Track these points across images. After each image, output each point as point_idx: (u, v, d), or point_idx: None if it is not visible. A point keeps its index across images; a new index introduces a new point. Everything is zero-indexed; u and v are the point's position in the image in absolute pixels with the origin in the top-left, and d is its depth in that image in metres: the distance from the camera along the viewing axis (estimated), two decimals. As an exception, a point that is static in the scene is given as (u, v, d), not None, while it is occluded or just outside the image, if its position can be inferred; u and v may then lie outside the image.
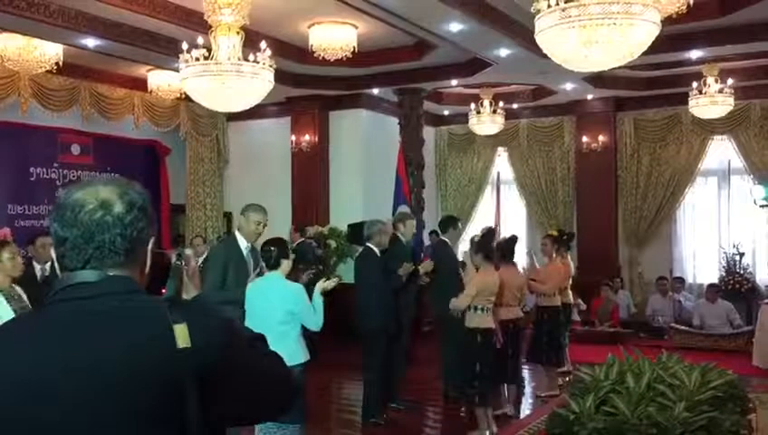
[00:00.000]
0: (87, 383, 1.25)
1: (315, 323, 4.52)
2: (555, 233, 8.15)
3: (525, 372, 8.38)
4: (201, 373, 1.28)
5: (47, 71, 8.39)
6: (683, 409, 3.82)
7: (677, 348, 8.29)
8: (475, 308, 5.90)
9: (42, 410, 1.25)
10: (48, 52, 8.12)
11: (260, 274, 4.79)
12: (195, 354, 1.28)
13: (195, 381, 1.27)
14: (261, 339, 1.54)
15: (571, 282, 8.06)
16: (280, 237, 4.77)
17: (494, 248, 6.19)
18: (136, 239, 1.39)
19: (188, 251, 1.72)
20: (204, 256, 6.85)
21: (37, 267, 6.50)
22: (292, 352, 4.33)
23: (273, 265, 4.54)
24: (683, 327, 10.27)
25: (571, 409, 4.10)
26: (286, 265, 4.57)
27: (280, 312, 4.42)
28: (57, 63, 8.29)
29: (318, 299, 4.55)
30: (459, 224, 7.79)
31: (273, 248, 4.55)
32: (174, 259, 1.63)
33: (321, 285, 4.61)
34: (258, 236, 5.06)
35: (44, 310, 1.39)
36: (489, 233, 6.73)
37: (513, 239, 7.20)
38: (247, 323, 4.37)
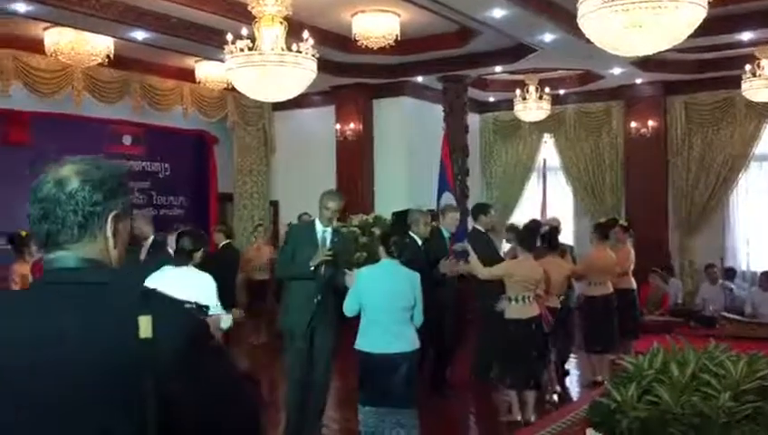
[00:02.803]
0: (50, 357, 1.29)
1: (421, 315, 4.68)
2: (602, 221, 8.05)
3: (573, 360, 8.34)
4: (159, 367, 1.28)
5: (99, 64, 8.62)
6: (728, 398, 3.75)
7: (728, 337, 8.10)
8: (514, 299, 5.90)
9: (12, 376, 1.30)
10: (99, 45, 8.34)
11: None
12: (154, 347, 1.29)
13: (152, 374, 1.27)
14: (227, 353, 1.53)
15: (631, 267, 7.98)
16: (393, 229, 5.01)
17: (531, 238, 6.12)
18: (89, 214, 1.41)
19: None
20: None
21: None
22: (416, 337, 4.59)
23: (397, 254, 4.71)
24: (734, 316, 10.03)
25: (612, 397, 4.06)
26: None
27: (410, 296, 4.59)
28: (108, 56, 8.52)
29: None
30: (491, 210, 7.70)
31: (396, 239, 4.77)
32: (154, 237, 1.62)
33: None
34: (332, 221, 5.38)
35: (28, 292, 1.53)
36: (533, 224, 6.67)
37: (556, 228, 7.19)
38: (357, 307, 4.66)
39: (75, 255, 1.40)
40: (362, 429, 4.66)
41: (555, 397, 6.80)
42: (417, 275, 4.73)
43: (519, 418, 5.96)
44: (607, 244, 7.53)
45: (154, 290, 1.44)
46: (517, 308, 5.89)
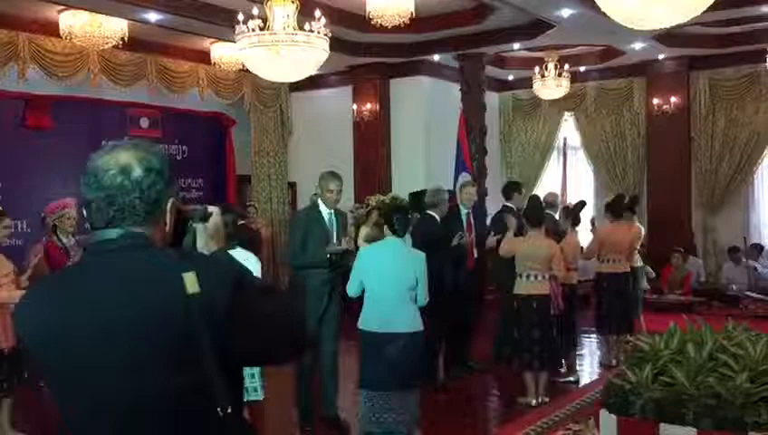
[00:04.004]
0: (107, 323, 1.42)
1: (425, 296, 4.59)
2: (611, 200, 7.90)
3: (590, 341, 8.26)
4: (209, 316, 1.40)
5: (114, 46, 8.60)
6: (745, 379, 3.67)
7: (752, 317, 8.00)
8: (521, 275, 5.90)
9: (73, 346, 1.44)
10: (113, 27, 8.32)
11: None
12: (202, 298, 1.40)
13: (204, 323, 1.39)
14: (272, 288, 1.68)
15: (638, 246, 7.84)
16: (402, 205, 4.90)
17: (539, 216, 6.05)
18: (154, 201, 1.52)
19: (211, 208, 1.80)
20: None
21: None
22: (418, 318, 4.51)
23: (401, 232, 4.63)
24: (758, 295, 9.87)
25: (627, 378, 4.00)
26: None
27: (411, 277, 4.50)
28: (123, 39, 8.49)
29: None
30: (523, 189, 7.66)
31: (408, 215, 4.72)
32: (191, 219, 1.73)
33: None
34: (336, 202, 5.31)
35: (79, 263, 1.70)
36: (534, 199, 6.61)
37: (581, 204, 7.15)
38: (359, 287, 4.58)
39: (119, 230, 1.51)
40: (360, 411, 4.62)
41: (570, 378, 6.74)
42: (420, 256, 4.63)
43: (534, 402, 5.90)
44: (622, 222, 7.41)
45: (189, 250, 1.64)
46: (522, 284, 5.92)
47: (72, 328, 1.44)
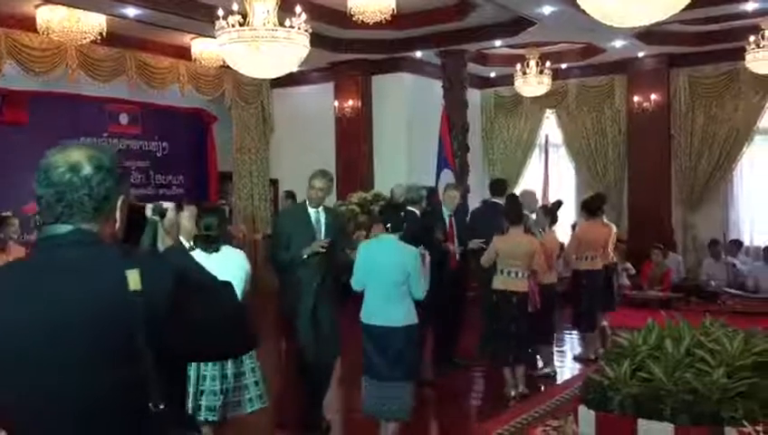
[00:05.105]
0: (54, 320, 1.43)
1: (420, 290, 4.63)
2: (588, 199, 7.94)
3: (570, 338, 8.31)
4: (150, 313, 1.43)
5: (92, 41, 8.51)
6: (722, 375, 3.70)
7: (730, 313, 8.06)
8: (501, 271, 5.98)
9: (20, 342, 1.45)
10: (91, 22, 8.23)
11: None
12: (144, 296, 1.43)
13: (143, 320, 1.42)
14: (218, 283, 1.64)
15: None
16: (397, 203, 5.01)
17: (519, 212, 6.10)
18: (103, 198, 1.54)
19: (166, 204, 1.82)
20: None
21: None
22: (410, 313, 4.58)
23: (393, 229, 4.70)
24: (736, 291, 9.97)
25: (605, 374, 4.02)
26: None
27: (402, 271, 4.56)
28: (101, 34, 8.40)
29: (427, 270, 4.80)
30: (509, 186, 7.76)
31: (400, 214, 4.79)
32: (150, 213, 1.76)
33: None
34: (322, 200, 5.29)
35: (27, 259, 1.73)
36: (513, 197, 6.69)
37: (558, 203, 7.19)
38: (362, 281, 4.69)
39: (69, 226, 1.52)
40: (362, 395, 4.74)
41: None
42: (412, 251, 4.70)
43: (512, 393, 5.96)
44: (598, 220, 7.46)
45: (132, 247, 1.65)
46: (501, 280, 6.00)
47: (19, 324, 1.45)
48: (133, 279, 1.43)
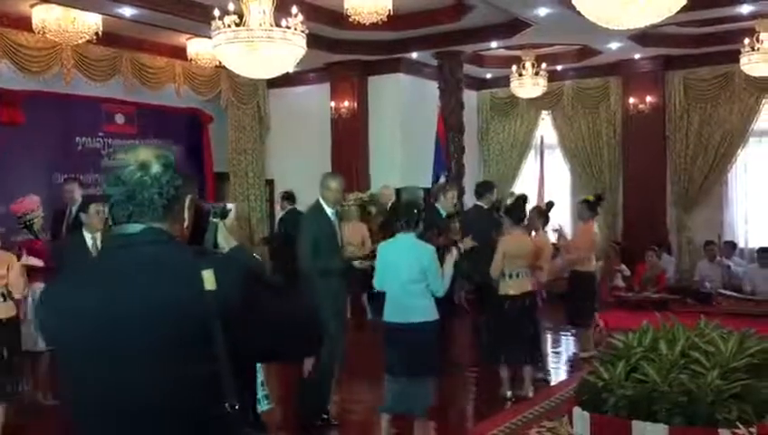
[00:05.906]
0: (136, 317, 1.47)
1: (439, 286, 4.68)
2: (591, 198, 7.93)
3: (566, 338, 8.32)
4: (225, 313, 1.45)
5: (88, 41, 8.49)
6: (716, 376, 3.71)
7: (725, 314, 8.07)
8: (509, 275, 5.91)
9: (97, 335, 1.48)
10: (87, 22, 8.21)
11: None
12: (219, 295, 1.46)
13: (219, 319, 1.45)
14: (285, 287, 1.71)
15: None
16: (414, 201, 5.19)
17: (522, 213, 6.13)
18: (173, 197, 1.57)
19: (230, 205, 1.84)
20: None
21: (88, 236, 5.58)
22: (428, 309, 4.63)
23: (412, 227, 4.75)
24: (731, 293, 10.00)
25: (600, 375, 4.03)
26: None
27: (417, 270, 4.61)
28: (97, 34, 8.38)
29: (449, 266, 4.82)
30: (495, 189, 7.69)
31: (416, 211, 4.83)
32: (211, 215, 1.77)
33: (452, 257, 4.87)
34: (340, 201, 5.45)
35: (101, 257, 1.80)
36: (520, 198, 6.68)
37: (550, 204, 7.21)
38: (381, 281, 4.79)
39: (141, 225, 1.55)
40: (385, 391, 4.84)
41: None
42: (428, 249, 4.75)
43: (509, 394, 5.97)
44: (590, 222, 7.49)
45: (202, 247, 1.70)
46: (509, 284, 5.94)
47: (96, 316, 1.48)
48: (209, 279, 1.45)
